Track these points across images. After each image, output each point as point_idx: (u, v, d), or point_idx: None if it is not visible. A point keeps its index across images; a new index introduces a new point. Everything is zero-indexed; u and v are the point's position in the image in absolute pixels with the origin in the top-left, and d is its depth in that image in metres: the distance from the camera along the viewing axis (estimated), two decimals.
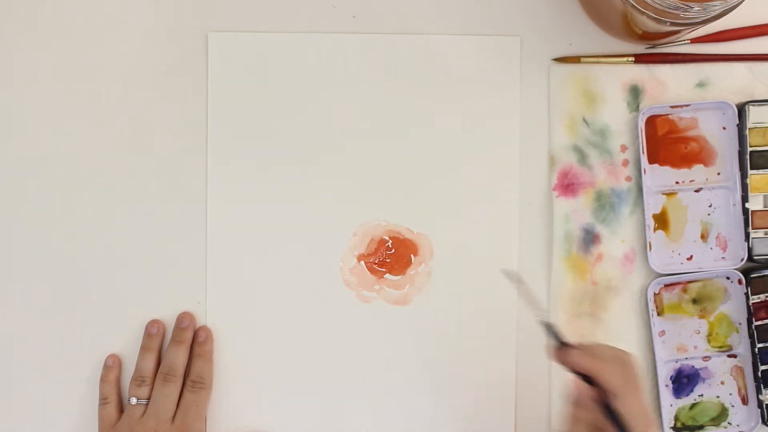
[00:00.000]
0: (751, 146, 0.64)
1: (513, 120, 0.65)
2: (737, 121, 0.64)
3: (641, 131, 0.64)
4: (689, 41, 0.65)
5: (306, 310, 0.65)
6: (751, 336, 0.64)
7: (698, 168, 0.65)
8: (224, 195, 0.65)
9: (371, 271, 0.65)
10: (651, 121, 0.65)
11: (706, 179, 0.65)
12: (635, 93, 0.65)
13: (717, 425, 0.65)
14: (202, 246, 0.65)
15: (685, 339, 0.65)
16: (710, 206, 0.65)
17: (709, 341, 0.65)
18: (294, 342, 0.65)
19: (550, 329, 0.54)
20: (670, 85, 0.65)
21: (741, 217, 0.64)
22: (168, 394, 0.62)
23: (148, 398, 0.63)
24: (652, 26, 0.57)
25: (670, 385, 0.65)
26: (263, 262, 0.65)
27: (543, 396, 0.65)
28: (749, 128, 0.64)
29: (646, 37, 0.63)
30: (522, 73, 0.65)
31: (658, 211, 0.65)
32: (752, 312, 0.64)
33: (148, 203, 0.65)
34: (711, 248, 0.65)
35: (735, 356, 0.65)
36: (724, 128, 0.65)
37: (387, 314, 0.65)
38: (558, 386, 0.65)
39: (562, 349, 0.53)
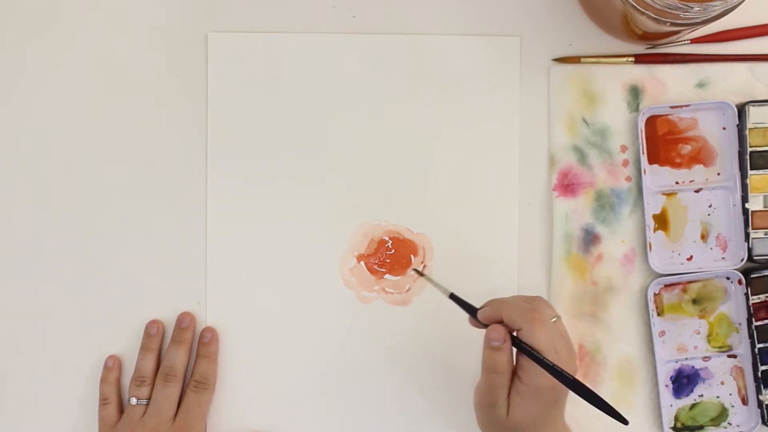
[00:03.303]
0: (751, 146, 0.64)
1: (513, 120, 0.65)
2: (737, 122, 0.64)
3: (641, 131, 0.64)
4: (689, 41, 0.65)
5: (306, 311, 0.65)
6: (751, 336, 0.64)
7: (698, 168, 0.65)
8: (224, 195, 0.65)
9: (371, 271, 0.65)
10: (651, 122, 0.65)
11: (706, 179, 0.65)
12: (635, 93, 0.65)
13: (717, 425, 0.65)
14: (202, 246, 0.65)
15: (685, 339, 0.65)
16: (710, 206, 0.65)
17: (709, 341, 0.65)
18: (293, 342, 0.65)
19: (458, 300, 0.58)
20: (670, 85, 0.65)
21: (741, 218, 0.64)
22: (168, 394, 0.62)
23: (149, 398, 0.63)
24: (652, 26, 0.57)
25: (670, 386, 0.65)
26: (263, 263, 0.65)
27: None
28: (749, 128, 0.64)
29: (646, 37, 0.63)
30: (522, 73, 0.65)
31: (658, 211, 0.65)
32: (752, 312, 0.64)
33: (148, 203, 0.65)
34: (711, 248, 0.65)
35: (735, 356, 0.65)
36: (724, 128, 0.65)
37: (387, 315, 0.65)
38: None
39: (475, 313, 0.56)
